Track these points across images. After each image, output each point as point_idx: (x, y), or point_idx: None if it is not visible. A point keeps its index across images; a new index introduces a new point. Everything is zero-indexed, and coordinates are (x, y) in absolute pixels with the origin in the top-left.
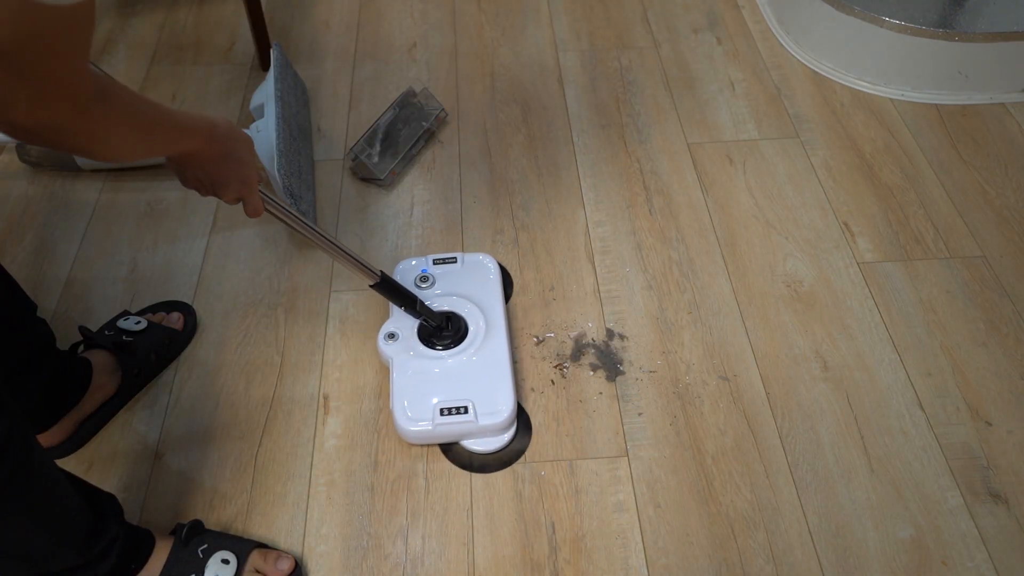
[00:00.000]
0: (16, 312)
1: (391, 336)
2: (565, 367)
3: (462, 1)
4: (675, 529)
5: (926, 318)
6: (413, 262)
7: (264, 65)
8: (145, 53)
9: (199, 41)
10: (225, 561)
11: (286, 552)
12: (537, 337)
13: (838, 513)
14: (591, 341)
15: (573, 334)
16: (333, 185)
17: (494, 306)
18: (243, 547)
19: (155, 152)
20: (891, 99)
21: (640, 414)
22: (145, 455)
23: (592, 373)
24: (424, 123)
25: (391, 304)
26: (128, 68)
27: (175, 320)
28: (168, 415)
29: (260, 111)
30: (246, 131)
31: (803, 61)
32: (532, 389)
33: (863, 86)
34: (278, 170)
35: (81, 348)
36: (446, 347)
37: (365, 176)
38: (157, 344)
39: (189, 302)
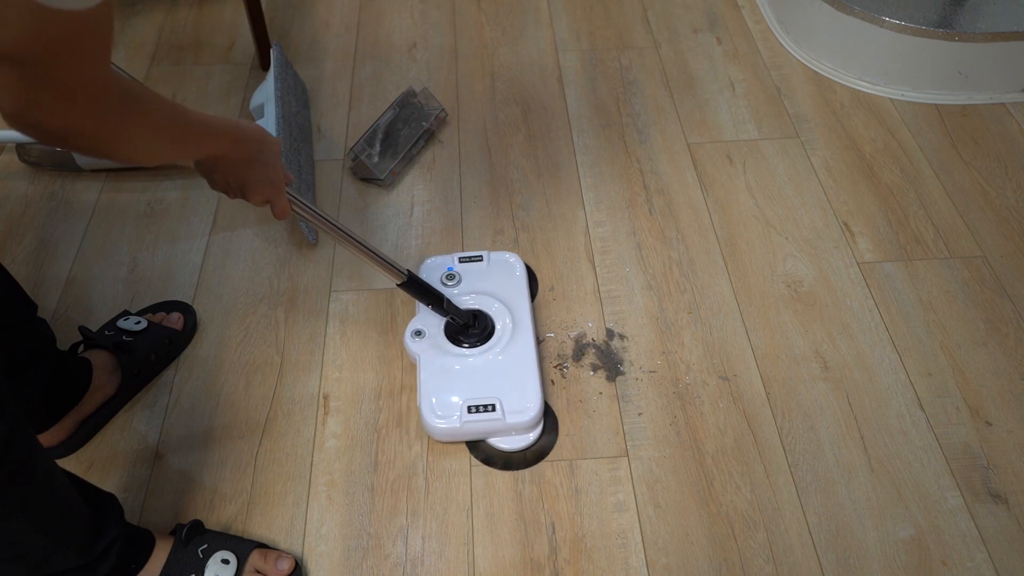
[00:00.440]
0: (17, 312)
1: (418, 333)
2: (565, 367)
3: (462, 1)
4: (675, 529)
5: (926, 318)
6: (439, 260)
7: (264, 65)
8: (145, 53)
9: (199, 41)
10: (225, 561)
11: (286, 552)
12: (537, 337)
13: (838, 513)
14: (591, 341)
15: (573, 334)
16: (333, 185)
17: (520, 304)
18: (243, 547)
19: (183, 155)
20: (891, 99)
21: (640, 414)
22: (145, 455)
23: (592, 373)
24: (424, 123)
25: (417, 302)
26: (128, 68)
27: (175, 320)
28: (168, 415)
29: (260, 111)
30: None
31: (803, 61)
32: None
33: (863, 86)
34: None
35: (81, 348)
36: (473, 345)
37: (365, 176)
38: (157, 344)
39: (189, 302)
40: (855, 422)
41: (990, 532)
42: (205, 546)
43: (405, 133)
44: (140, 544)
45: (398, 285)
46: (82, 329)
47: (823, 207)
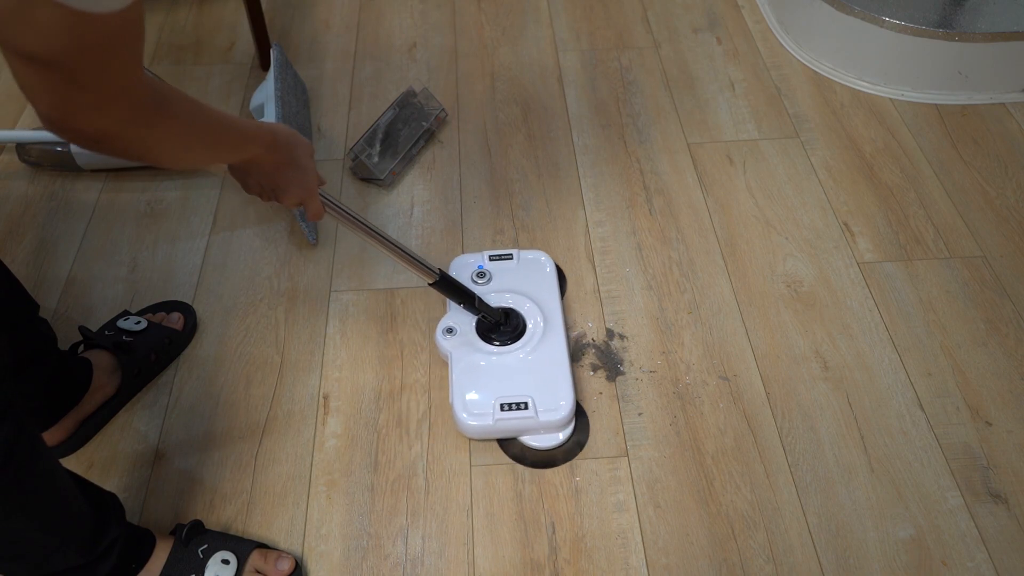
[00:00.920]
0: (19, 312)
1: (449, 331)
2: None
3: (462, 1)
4: (675, 529)
5: (926, 318)
6: (468, 258)
7: (264, 65)
8: (145, 53)
9: (199, 41)
10: (225, 561)
11: (286, 552)
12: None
13: (838, 513)
14: (591, 341)
15: (573, 334)
16: (333, 185)
17: (551, 303)
18: (243, 547)
19: (218, 159)
20: (891, 99)
21: (640, 414)
22: (145, 455)
23: (592, 373)
24: (424, 123)
25: (448, 300)
26: None
27: (175, 320)
28: (168, 415)
29: (260, 111)
30: None
31: (803, 61)
32: None
33: (863, 86)
34: None
35: (81, 348)
36: (504, 343)
37: (365, 176)
38: (157, 344)
39: (189, 302)
40: (855, 422)
41: (990, 532)
42: (205, 546)
43: (405, 133)
44: (141, 544)
45: (430, 284)
46: (82, 329)
47: (823, 207)
